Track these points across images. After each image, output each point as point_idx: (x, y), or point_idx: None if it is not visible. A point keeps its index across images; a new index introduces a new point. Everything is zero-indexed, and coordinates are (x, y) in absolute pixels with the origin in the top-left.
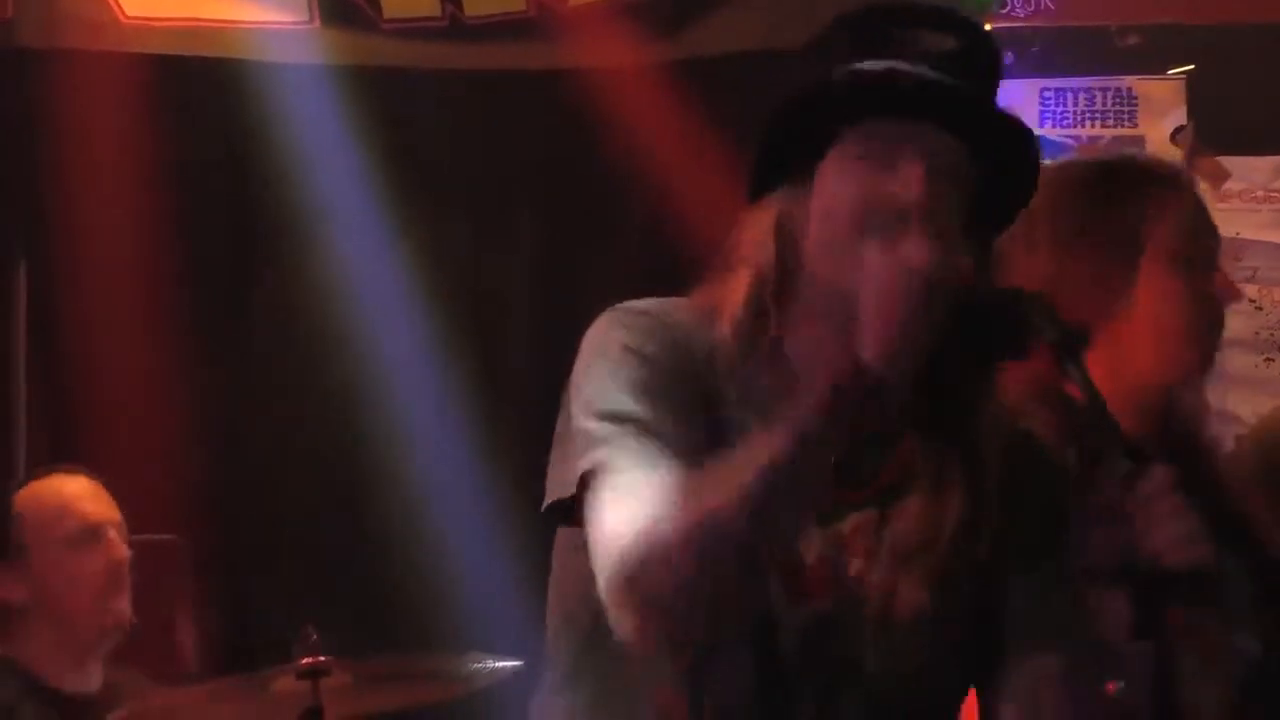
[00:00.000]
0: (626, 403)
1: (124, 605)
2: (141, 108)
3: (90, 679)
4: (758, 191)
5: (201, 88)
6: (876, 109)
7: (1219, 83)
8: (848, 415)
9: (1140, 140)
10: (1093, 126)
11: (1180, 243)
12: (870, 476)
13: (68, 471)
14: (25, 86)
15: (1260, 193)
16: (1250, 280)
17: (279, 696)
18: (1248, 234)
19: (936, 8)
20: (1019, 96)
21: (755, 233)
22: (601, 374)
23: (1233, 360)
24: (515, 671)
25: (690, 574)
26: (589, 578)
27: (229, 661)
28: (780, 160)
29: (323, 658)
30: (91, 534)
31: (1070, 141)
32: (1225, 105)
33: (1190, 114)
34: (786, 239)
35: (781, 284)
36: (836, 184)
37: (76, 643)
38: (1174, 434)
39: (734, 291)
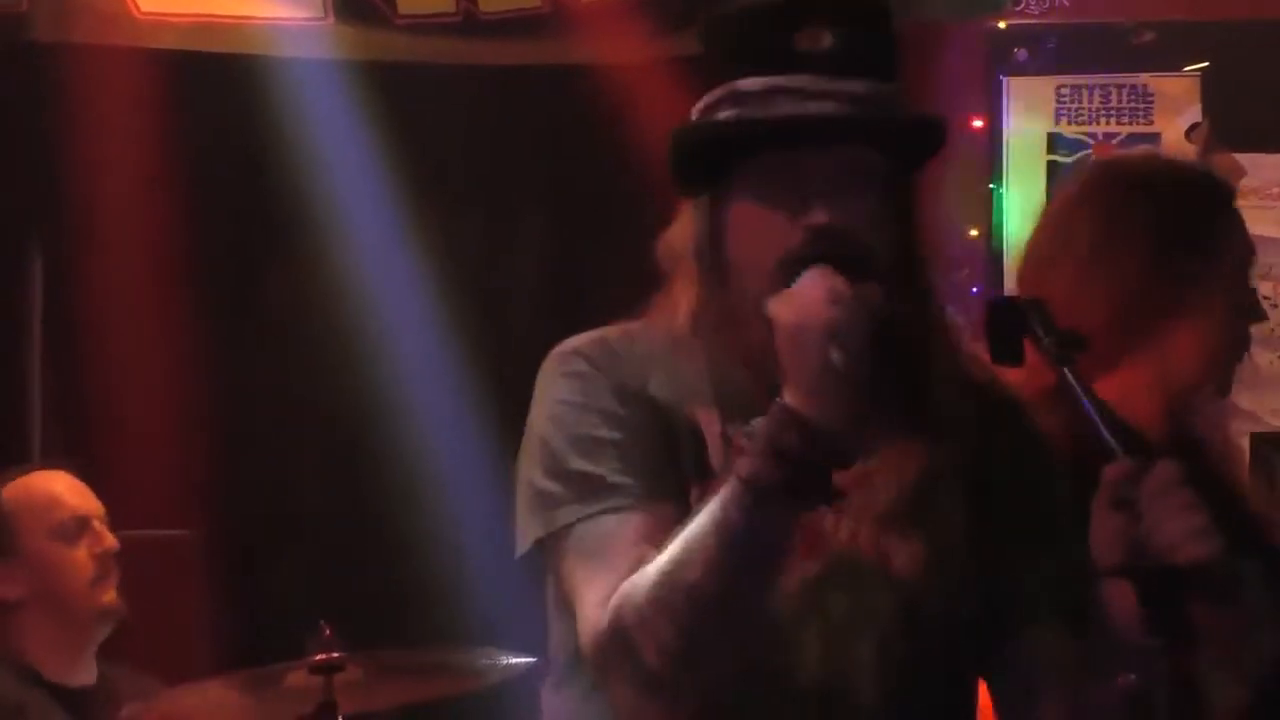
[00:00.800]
0: (576, 460)
1: (113, 594)
2: (156, 103)
3: (87, 672)
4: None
5: (216, 83)
6: (764, 141)
7: (1234, 80)
8: (801, 467)
9: (1156, 137)
10: (1108, 123)
11: (1241, 259)
12: None
13: (48, 467)
14: (40, 81)
15: (1275, 190)
16: (1265, 277)
17: (292, 691)
18: (1262, 231)
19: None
20: (1034, 93)
21: (681, 248)
22: (549, 431)
23: None
24: (527, 667)
25: (671, 642)
26: None
27: (242, 657)
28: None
29: (336, 653)
30: (80, 525)
31: (1086, 139)
32: (1240, 102)
33: (1205, 111)
34: (706, 256)
35: (713, 294)
36: (742, 215)
37: (72, 634)
38: (1187, 433)
39: (675, 306)
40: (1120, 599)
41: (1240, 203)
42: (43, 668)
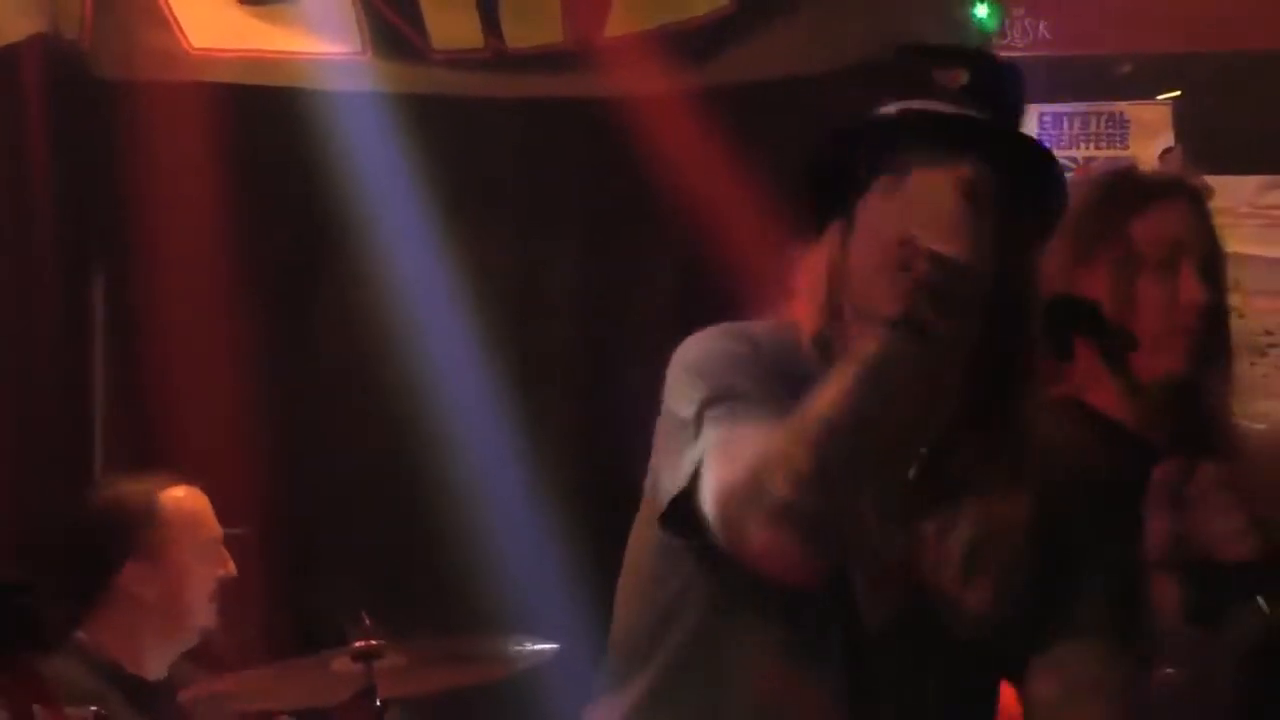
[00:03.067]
0: (730, 382)
1: (215, 615)
2: (208, 132)
3: (164, 668)
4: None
5: (263, 114)
6: (892, 145)
7: (1204, 108)
8: (939, 298)
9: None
10: (1087, 148)
11: (1151, 248)
12: (946, 476)
13: (177, 481)
14: (101, 113)
15: (1244, 209)
16: (1234, 290)
17: (336, 676)
18: (1231, 248)
19: (947, 49)
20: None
21: (813, 271)
22: (702, 371)
23: None
24: (554, 654)
25: (804, 467)
26: (666, 555)
27: (291, 644)
28: (824, 203)
29: (376, 641)
30: (219, 545)
31: (1067, 163)
32: (1210, 128)
33: (1178, 136)
34: (837, 275)
35: (833, 316)
36: (870, 221)
37: (173, 643)
38: (1190, 435)
39: (797, 324)
40: (1164, 591)
41: None
42: (124, 660)
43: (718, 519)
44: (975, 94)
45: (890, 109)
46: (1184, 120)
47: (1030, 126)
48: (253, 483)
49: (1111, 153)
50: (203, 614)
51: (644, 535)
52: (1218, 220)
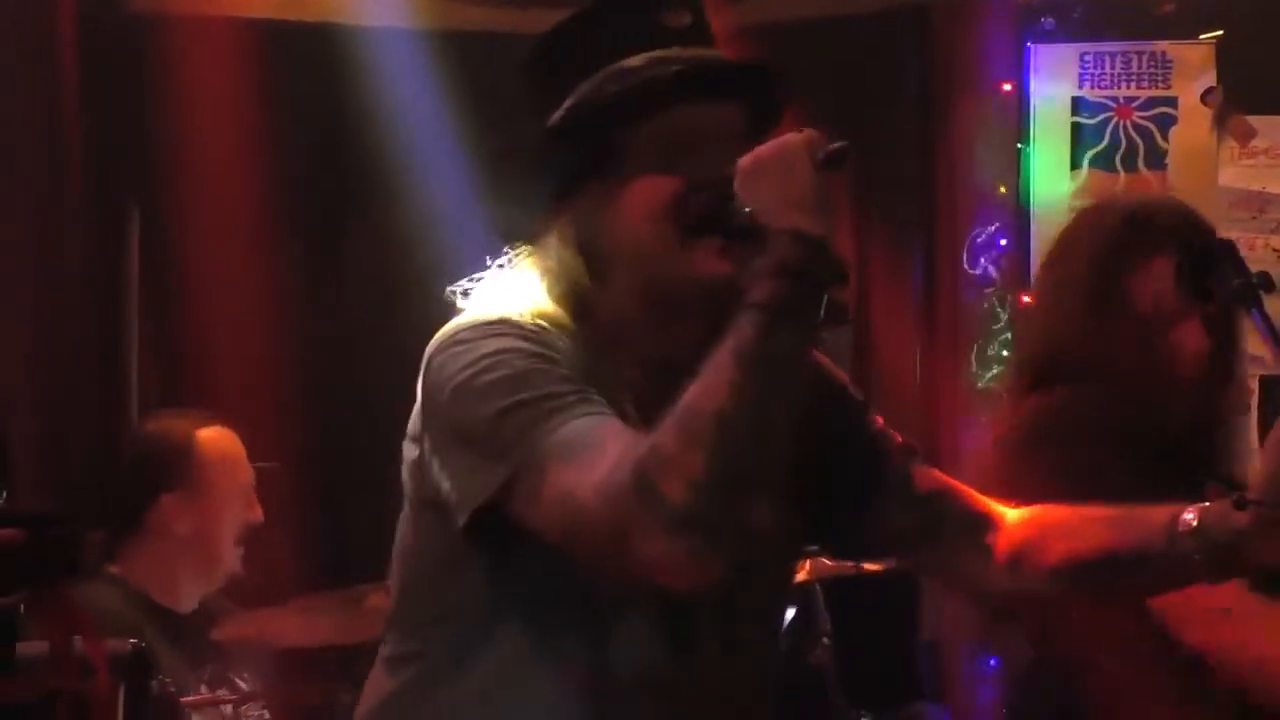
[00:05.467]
0: (539, 383)
1: (240, 559)
2: (245, 68)
3: (194, 603)
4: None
5: (299, 50)
6: (659, 103)
7: (1248, 48)
8: (807, 278)
9: (1173, 101)
10: (1129, 88)
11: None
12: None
13: (214, 422)
14: (139, 48)
15: None
16: (1275, 231)
17: (373, 611)
18: (1273, 188)
19: None
20: (1060, 60)
21: (558, 253)
22: (496, 373)
23: None
24: None
25: (701, 472)
26: (450, 560)
27: (327, 579)
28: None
29: None
30: (250, 489)
31: (1108, 102)
32: (1253, 69)
33: (1220, 76)
34: (590, 251)
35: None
36: (642, 189)
37: (203, 579)
38: None
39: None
40: None
41: (1252, 161)
42: (159, 595)
43: (600, 532)
44: (698, 32)
45: (638, 61)
46: (1227, 60)
47: (1072, 66)
48: (284, 418)
49: (1154, 92)
50: (229, 557)
51: (420, 537)
52: (1258, 160)
